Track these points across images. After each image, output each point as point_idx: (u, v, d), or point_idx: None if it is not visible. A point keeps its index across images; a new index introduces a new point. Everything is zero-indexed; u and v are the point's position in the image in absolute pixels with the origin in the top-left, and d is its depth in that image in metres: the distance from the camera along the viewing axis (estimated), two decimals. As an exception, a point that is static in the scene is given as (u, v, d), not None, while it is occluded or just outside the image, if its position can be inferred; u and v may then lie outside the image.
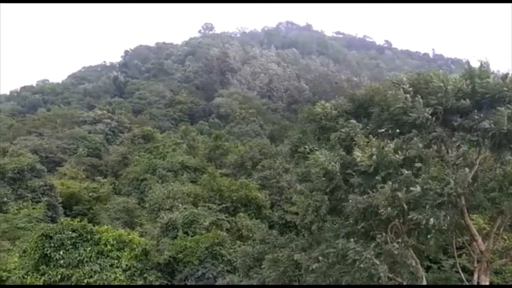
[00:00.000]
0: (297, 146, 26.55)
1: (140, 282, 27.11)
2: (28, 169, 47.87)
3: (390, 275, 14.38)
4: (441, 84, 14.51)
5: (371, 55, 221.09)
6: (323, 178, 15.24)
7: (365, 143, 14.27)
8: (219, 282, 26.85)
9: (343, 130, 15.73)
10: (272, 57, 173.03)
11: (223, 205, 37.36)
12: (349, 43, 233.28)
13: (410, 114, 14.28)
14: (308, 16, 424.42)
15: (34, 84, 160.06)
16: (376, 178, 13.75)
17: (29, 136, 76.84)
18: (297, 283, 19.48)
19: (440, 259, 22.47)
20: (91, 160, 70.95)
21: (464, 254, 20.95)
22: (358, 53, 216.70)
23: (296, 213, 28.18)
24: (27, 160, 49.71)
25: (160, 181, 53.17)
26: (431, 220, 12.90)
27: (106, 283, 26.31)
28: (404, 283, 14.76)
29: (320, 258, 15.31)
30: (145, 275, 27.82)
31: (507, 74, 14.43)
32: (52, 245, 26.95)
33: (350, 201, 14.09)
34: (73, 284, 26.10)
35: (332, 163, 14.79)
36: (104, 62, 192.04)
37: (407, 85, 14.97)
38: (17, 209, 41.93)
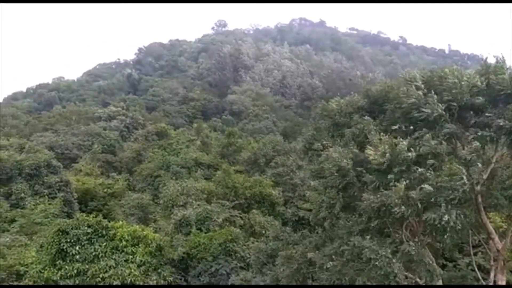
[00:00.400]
0: (311, 142, 26.45)
1: (154, 278, 27.37)
2: (44, 165, 48.56)
3: (406, 273, 14.29)
4: (456, 81, 14.33)
5: (386, 51, 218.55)
6: (336, 175, 15.18)
7: (378, 141, 14.17)
8: (233, 278, 26.95)
9: (357, 127, 15.64)
10: (285, 53, 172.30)
11: (236, 202, 37.41)
12: (363, 39, 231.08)
13: (423, 110, 14.13)
14: (322, 13, 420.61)
15: (50, 82, 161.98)
16: (389, 176, 13.64)
17: (45, 133, 77.81)
18: (310, 280, 19.47)
19: (456, 257, 22.23)
20: (106, 156, 71.50)
21: (480, 253, 20.66)
22: (372, 49, 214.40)
23: (310, 210, 28.14)
24: (44, 156, 50.37)
25: (174, 177, 53.44)
26: (445, 217, 12.76)
27: (121, 278, 26.63)
28: (421, 282, 14.64)
29: (333, 256, 15.27)
30: (159, 270, 28.09)
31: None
32: (69, 240, 27.41)
33: (364, 200, 14.00)
34: (89, 278, 26.47)
35: (345, 160, 14.72)
36: (118, 59, 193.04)
37: (420, 82, 14.81)
38: (34, 205, 42.61)
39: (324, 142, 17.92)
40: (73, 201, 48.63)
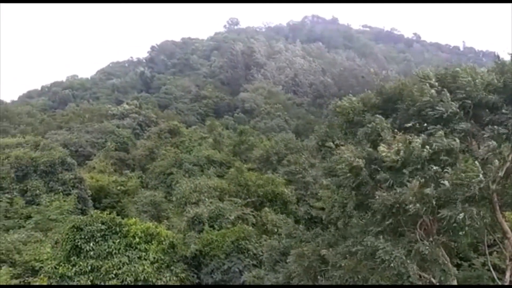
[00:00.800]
0: (324, 140, 26.37)
1: (167, 275, 27.59)
2: (59, 162, 49.15)
3: (420, 272, 14.17)
4: (469, 78, 14.15)
5: (399, 48, 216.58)
6: (349, 174, 15.09)
7: (392, 138, 14.06)
8: (245, 276, 27.00)
9: (369, 125, 15.54)
10: (297, 51, 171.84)
11: (249, 199, 37.44)
12: (376, 37, 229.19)
13: (437, 108, 13.99)
14: (334, 10, 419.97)
15: (64, 80, 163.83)
16: (403, 174, 13.54)
17: (60, 131, 78.71)
18: (322, 278, 19.41)
19: (471, 257, 21.98)
20: (119, 154, 72.09)
21: (495, 252, 20.41)
22: (386, 46, 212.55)
23: (322, 208, 28.03)
24: (58, 153, 50.99)
25: (186, 175, 53.68)
26: (461, 215, 12.63)
27: (134, 275, 26.90)
28: (435, 281, 14.51)
29: (346, 255, 15.20)
30: (172, 267, 28.31)
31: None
32: (83, 236, 27.76)
33: (377, 197, 13.91)
34: (102, 274, 26.77)
35: (357, 159, 14.63)
36: (131, 57, 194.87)
37: (434, 80, 14.66)
38: (49, 202, 43.18)
39: (337, 141, 17.84)
40: (87, 198, 49.19)
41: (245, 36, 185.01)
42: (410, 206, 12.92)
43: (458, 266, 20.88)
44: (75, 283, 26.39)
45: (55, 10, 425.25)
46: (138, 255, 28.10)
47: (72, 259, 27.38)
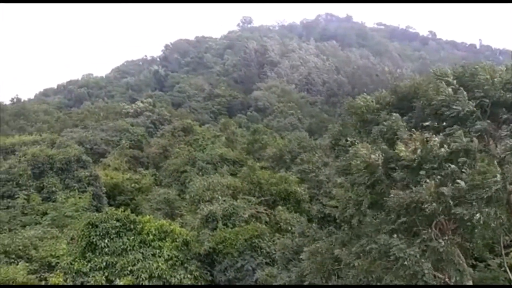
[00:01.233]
0: (338, 139, 26.27)
1: (181, 272, 27.77)
2: (74, 160, 49.64)
3: (435, 272, 14.04)
4: (488, 77, 13.98)
5: (414, 46, 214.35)
6: (364, 171, 14.99)
7: (409, 137, 13.95)
8: (258, 274, 27.05)
9: (385, 123, 15.42)
10: (311, 49, 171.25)
11: (262, 198, 37.45)
12: (390, 35, 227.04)
13: (454, 107, 13.84)
14: (348, 8, 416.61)
15: (79, 78, 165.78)
16: (421, 172, 13.42)
17: (75, 128, 79.56)
18: (335, 277, 19.35)
19: (486, 258, 21.70)
20: (133, 152, 72.53)
21: (511, 253, 20.14)
22: (400, 44, 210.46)
23: (335, 207, 27.89)
24: (74, 151, 51.52)
25: (200, 173, 53.91)
26: (477, 215, 12.50)
27: (148, 272, 27.14)
28: (450, 282, 14.37)
29: (360, 254, 15.11)
30: (185, 265, 28.49)
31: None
32: (98, 233, 28.08)
33: (392, 196, 13.81)
34: (117, 271, 27.05)
35: (373, 156, 14.52)
36: (145, 56, 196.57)
37: (451, 78, 14.49)
38: (64, 198, 43.64)
39: (351, 140, 17.76)
40: (102, 195, 49.60)
41: (259, 34, 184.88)
42: (427, 205, 12.82)
43: (473, 266, 20.64)
44: (90, 279, 26.70)
45: (71, 10, 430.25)
46: (152, 252, 28.33)
47: (87, 255, 27.73)
